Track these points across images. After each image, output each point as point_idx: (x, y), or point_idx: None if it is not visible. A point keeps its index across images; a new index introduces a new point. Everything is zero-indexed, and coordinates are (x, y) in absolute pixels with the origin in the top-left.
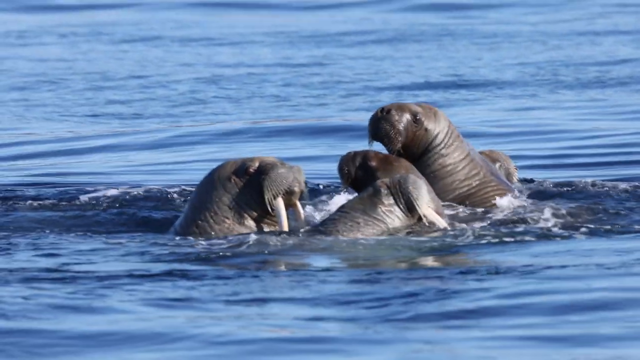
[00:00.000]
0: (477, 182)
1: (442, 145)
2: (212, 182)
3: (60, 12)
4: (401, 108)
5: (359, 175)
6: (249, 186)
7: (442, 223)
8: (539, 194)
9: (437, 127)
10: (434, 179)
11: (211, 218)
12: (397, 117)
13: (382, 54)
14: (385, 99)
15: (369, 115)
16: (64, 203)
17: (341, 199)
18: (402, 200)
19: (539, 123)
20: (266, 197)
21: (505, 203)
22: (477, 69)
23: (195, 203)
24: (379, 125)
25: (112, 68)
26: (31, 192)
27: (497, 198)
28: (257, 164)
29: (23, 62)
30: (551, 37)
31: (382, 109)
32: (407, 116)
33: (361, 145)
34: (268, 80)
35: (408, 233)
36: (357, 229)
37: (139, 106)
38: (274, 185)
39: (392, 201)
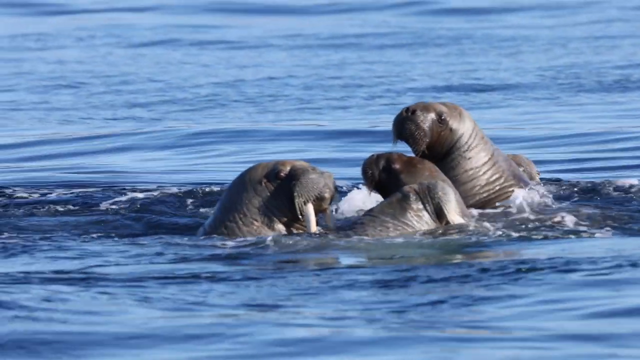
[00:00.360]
0: (498, 188)
1: (466, 146)
2: (243, 183)
3: (78, 15)
4: (426, 108)
5: (383, 178)
6: (279, 190)
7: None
8: (562, 196)
9: (462, 127)
10: (455, 183)
11: (240, 220)
12: (422, 117)
13: (401, 58)
14: (407, 101)
15: (391, 118)
16: (86, 206)
17: (357, 193)
18: (430, 206)
19: (561, 127)
20: (296, 203)
21: (521, 197)
22: (497, 72)
23: (225, 204)
24: (404, 125)
25: (131, 71)
26: (52, 196)
27: (515, 190)
28: (288, 168)
29: (42, 64)
30: (570, 41)
31: (408, 109)
32: (432, 116)
33: (383, 147)
34: (289, 83)
35: (436, 234)
36: (386, 233)
37: (160, 109)
38: (304, 190)
39: (420, 206)
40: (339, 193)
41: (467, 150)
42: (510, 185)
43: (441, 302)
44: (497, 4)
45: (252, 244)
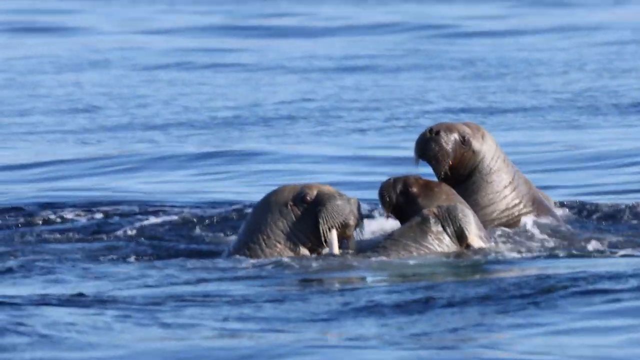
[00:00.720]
0: (517, 213)
1: (488, 169)
2: (268, 205)
3: (93, 37)
4: (449, 129)
5: (400, 201)
6: (304, 214)
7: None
8: (581, 221)
9: (485, 149)
10: (475, 207)
11: (263, 241)
12: (445, 138)
13: (416, 81)
14: (424, 124)
15: (407, 140)
16: (103, 229)
17: (371, 223)
18: (451, 229)
19: (580, 149)
20: (321, 228)
21: (533, 223)
22: (513, 94)
23: (249, 225)
24: (428, 146)
25: (147, 93)
26: (70, 216)
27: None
28: (315, 193)
29: (58, 87)
30: (585, 63)
31: (431, 130)
32: (455, 136)
33: (401, 170)
34: (305, 107)
35: (457, 257)
36: (409, 257)
37: (176, 132)
38: (330, 217)
39: (440, 229)
40: (364, 219)
41: (488, 174)
42: (530, 211)
43: (462, 327)
44: (512, 27)
45: (273, 264)
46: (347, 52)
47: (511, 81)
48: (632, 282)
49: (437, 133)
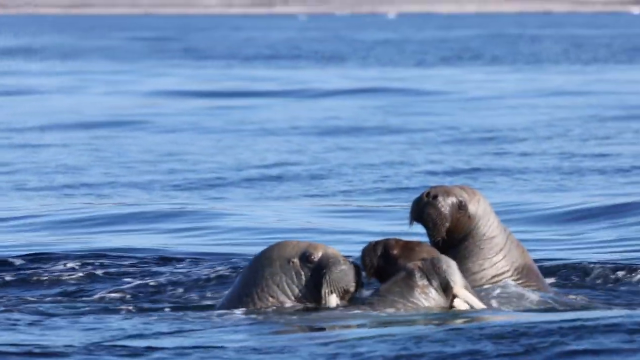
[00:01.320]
0: (504, 281)
1: (482, 235)
2: (269, 259)
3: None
4: (447, 192)
5: (381, 264)
6: (306, 273)
7: (477, 303)
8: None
9: (480, 214)
10: (465, 272)
11: (256, 294)
12: (443, 202)
13: (401, 146)
14: (410, 184)
15: (393, 198)
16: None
17: None
18: (436, 281)
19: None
20: (323, 291)
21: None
22: (499, 156)
23: (245, 277)
24: (425, 210)
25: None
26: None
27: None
28: (320, 254)
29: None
30: (570, 129)
31: (429, 194)
32: (453, 201)
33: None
34: (290, 170)
35: (444, 311)
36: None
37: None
38: (333, 282)
39: (426, 282)
40: (364, 285)
41: (482, 239)
42: (519, 278)
43: None
44: (493, 93)
45: (264, 315)
46: (327, 114)
47: (494, 144)
48: (617, 337)
49: (435, 197)
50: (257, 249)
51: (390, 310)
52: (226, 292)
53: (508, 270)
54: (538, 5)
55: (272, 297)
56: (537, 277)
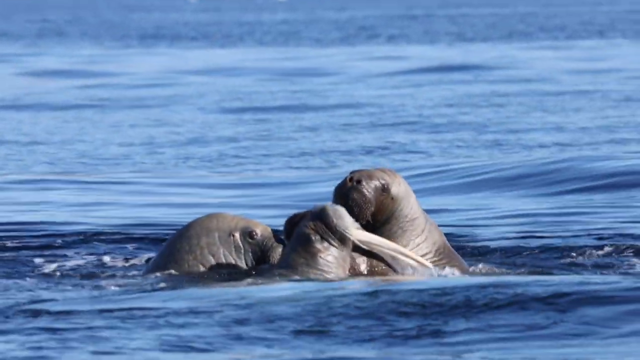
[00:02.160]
0: (430, 262)
1: (405, 216)
2: (207, 229)
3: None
4: (370, 176)
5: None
6: (246, 249)
7: (378, 241)
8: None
9: (402, 196)
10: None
11: (187, 262)
12: (367, 187)
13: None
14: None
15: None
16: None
17: None
18: (334, 239)
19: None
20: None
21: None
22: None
23: (176, 245)
24: (350, 195)
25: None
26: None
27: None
28: (260, 232)
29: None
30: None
31: (352, 179)
32: (376, 184)
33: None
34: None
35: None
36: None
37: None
38: (275, 260)
39: (325, 244)
40: None
41: (404, 222)
42: (441, 259)
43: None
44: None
45: (191, 280)
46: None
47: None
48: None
49: (359, 182)
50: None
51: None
52: (151, 259)
53: (430, 252)
54: None
55: (203, 266)
56: (456, 256)
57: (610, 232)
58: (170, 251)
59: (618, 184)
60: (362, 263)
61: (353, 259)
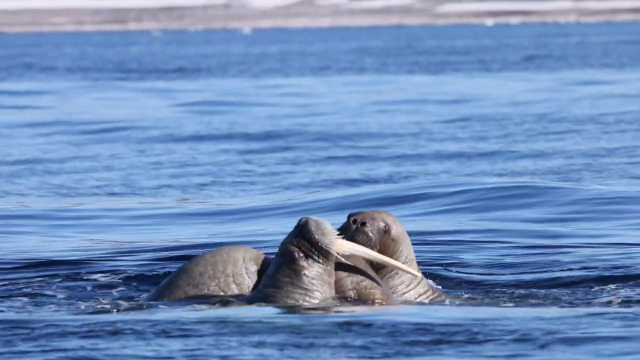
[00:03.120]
0: (427, 302)
1: (405, 258)
2: (234, 258)
3: None
4: (373, 218)
5: None
6: (255, 277)
7: (361, 250)
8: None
9: (402, 236)
10: (394, 294)
11: (208, 288)
12: (371, 228)
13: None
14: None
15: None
16: None
17: None
18: (318, 255)
19: None
20: None
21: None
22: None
23: (198, 271)
24: (355, 237)
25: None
26: None
27: None
28: (262, 259)
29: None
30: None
31: (355, 220)
32: (379, 225)
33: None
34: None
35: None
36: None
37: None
38: None
39: (310, 261)
40: None
41: (405, 262)
42: (435, 296)
43: None
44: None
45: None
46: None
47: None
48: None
49: (364, 224)
50: None
51: (289, 302)
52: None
53: (427, 291)
54: (393, 19)
55: (224, 293)
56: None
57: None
58: (189, 275)
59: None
60: (349, 281)
61: (341, 279)
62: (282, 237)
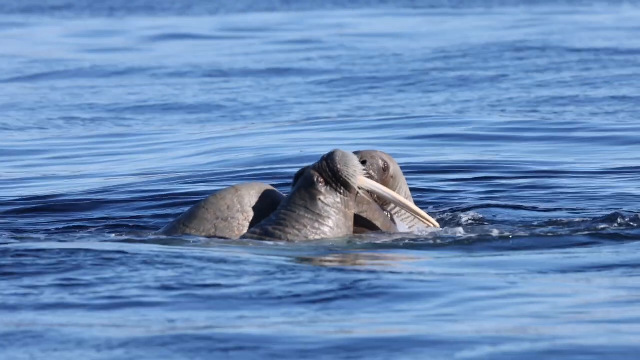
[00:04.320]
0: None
1: (404, 193)
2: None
3: None
4: (373, 156)
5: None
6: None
7: (382, 189)
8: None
9: (399, 173)
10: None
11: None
12: (371, 167)
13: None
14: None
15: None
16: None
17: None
18: (338, 185)
19: None
20: None
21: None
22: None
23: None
24: None
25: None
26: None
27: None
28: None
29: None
30: None
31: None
32: (379, 163)
33: None
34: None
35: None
36: (305, 231)
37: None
38: None
39: (328, 188)
40: None
41: (406, 197)
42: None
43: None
44: None
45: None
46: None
47: None
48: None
49: (364, 162)
50: None
51: (298, 227)
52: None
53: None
54: None
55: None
56: None
57: None
58: (216, 209)
59: None
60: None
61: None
62: None
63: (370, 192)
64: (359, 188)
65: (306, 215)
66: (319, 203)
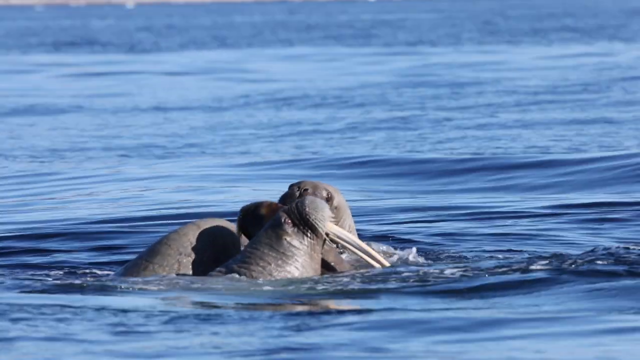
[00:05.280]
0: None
1: (348, 226)
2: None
3: None
4: (316, 186)
5: (249, 221)
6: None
7: (349, 238)
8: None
9: (343, 205)
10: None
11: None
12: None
13: None
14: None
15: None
16: None
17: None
18: (305, 227)
19: None
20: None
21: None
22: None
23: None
24: None
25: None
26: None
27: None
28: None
29: None
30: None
31: (299, 188)
32: (322, 194)
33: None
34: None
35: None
36: (269, 268)
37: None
38: None
39: (295, 229)
40: None
41: (349, 231)
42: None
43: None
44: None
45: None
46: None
47: None
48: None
49: (306, 191)
50: None
51: (262, 264)
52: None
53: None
54: None
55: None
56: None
57: None
58: (179, 245)
59: None
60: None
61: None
62: None
63: (336, 239)
64: (326, 234)
65: (270, 253)
66: (284, 242)
